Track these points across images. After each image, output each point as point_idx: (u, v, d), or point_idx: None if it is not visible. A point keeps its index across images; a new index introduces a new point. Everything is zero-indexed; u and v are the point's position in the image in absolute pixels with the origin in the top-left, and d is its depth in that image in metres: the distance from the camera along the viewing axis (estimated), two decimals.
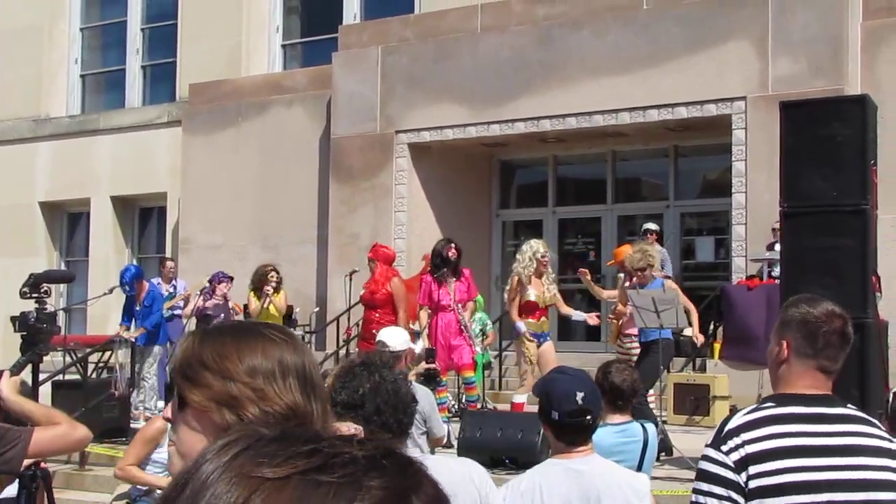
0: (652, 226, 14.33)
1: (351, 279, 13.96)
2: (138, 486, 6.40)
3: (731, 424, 2.91)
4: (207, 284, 13.31)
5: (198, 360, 1.68)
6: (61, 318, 11.68)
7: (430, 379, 9.27)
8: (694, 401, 11.82)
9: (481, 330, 12.49)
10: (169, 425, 1.78)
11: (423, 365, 9.64)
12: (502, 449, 8.98)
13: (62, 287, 19.37)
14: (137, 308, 12.73)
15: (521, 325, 10.43)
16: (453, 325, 10.83)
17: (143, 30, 20.82)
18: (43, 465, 4.41)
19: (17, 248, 20.40)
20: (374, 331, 9.59)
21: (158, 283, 14.31)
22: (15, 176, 20.81)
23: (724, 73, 13.71)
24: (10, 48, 21.13)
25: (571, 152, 16.57)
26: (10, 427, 3.81)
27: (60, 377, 12.33)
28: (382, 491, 0.88)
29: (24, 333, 4.34)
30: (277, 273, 13.01)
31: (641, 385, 8.09)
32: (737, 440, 2.85)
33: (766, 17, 13.49)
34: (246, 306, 13.27)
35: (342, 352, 14.04)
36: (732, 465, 2.83)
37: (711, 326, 13.40)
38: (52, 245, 21.04)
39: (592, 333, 15.96)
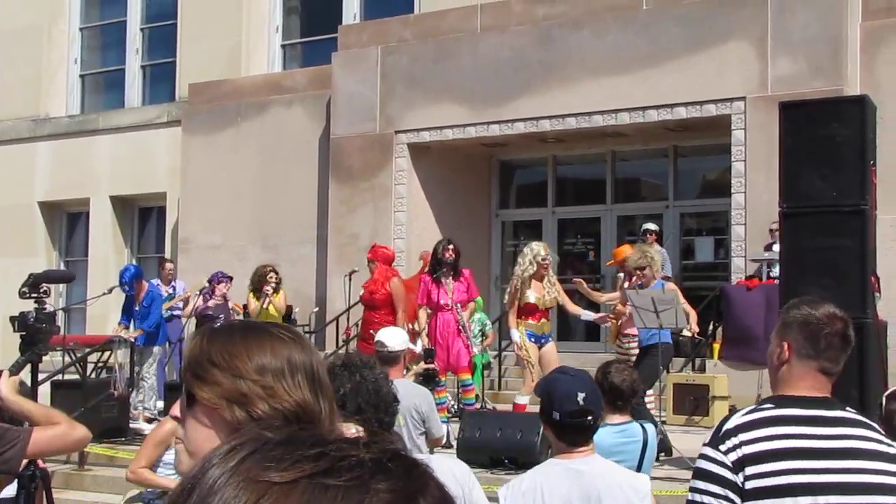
0: (651, 226, 14.34)
1: (350, 279, 13.97)
2: (150, 489, 6.39)
3: (730, 424, 2.91)
4: (207, 285, 13.31)
5: (207, 359, 1.69)
6: (60, 318, 11.69)
7: (428, 379, 9.26)
8: (693, 401, 11.82)
9: (481, 330, 12.49)
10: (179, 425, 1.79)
11: (422, 365, 9.64)
12: (502, 449, 8.99)
13: (61, 287, 19.37)
14: (136, 308, 12.72)
15: (516, 335, 10.39)
16: (452, 325, 10.83)
17: (142, 30, 20.82)
18: (42, 464, 4.41)
19: (16, 248, 20.40)
20: (373, 331, 9.58)
21: (158, 284, 14.31)
22: (14, 176, 20.81)
23: (723, 74, 13.71)
24: (10, 48, 21.12)
25: (571, 152, 16.57)
26: (9, 427, 3.81)
27: (60, 377, 12.33)
28: (389, 494, 0.88)
29: (24, 333, 4.34)
30: (276, 273, 13.01)
31: (641, 386, 8.10)
32: (735, 440, 2.85)
33: (765, 17, 13.49)
34: (245, 307, 13.27)
35: (342, 352, 14.03)
36: (730, 465, 2.83)
37: (711, 326, 13.40)
38: (51, 245, 21.04)
39: (592, 334, 15.98)
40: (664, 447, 8.99)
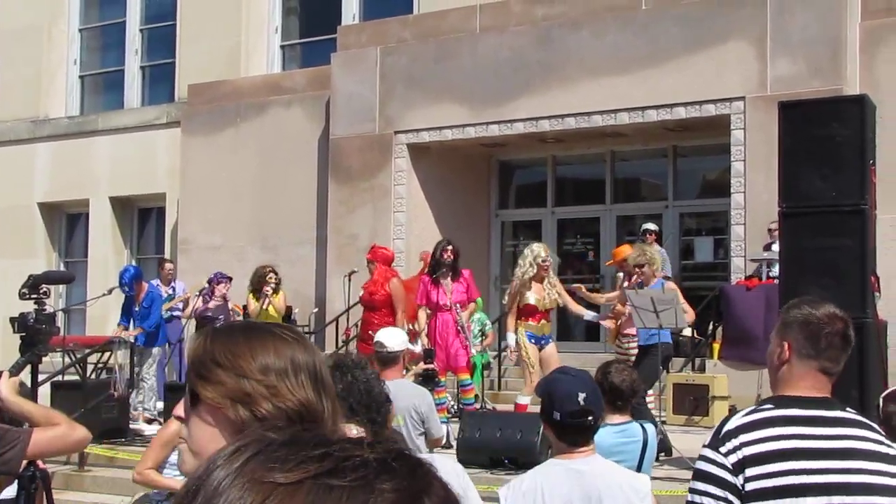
0: (651, 226, 14.34)
1: (350, 280, 13.96)
2: (157, 491, 6.37)
3: (730, 426, 2.90)
4: (206, 285, 13.30)
5: (210, 359, 1.70)
6: (60, 319, 11.67)
7: (428, 379, 9.26)
8: (693, 401, 11.82)
9: (480, 330, 12.49)
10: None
11: (422, 365, 9.64)
12: (501, 449, 8.99)
13: (61, 288, 19.38)
14: (136, 309, 12.72)
15: (511, 339, 10.44)
16: (450, 325, 10.83)
17: (142, 30, 20.81)
18: (42, 465, 4.41)
19: (16, 249, 20.39)
20: (372, 332, 9.58)
21: (157, 285, 14.30)
22: (14, 177, 20.80)
23: (723, 74, 13.71)
24: (9, 49, 21.12)
25: (570, 152, 16.57)
26: (8, 428, 3.81)
27: (60, 378, 12.32)
28: (394, 493, 0.89)
29: (24, 334, 4.34)
30: (276, 274, 13.00)
31: (641, 386, 8.08)
32: (735, 442, 2.85)
33: (764, 17, 13.49)
34: (245, 307, 13.27)
35: (341, 352, 14.02)
36: (730, 467, 2.83)
37: (710, 327, 13.41)
38: (51, 246, 21.03)
39: (592, 334, 15.98)
40: (664, 447, 8.99)
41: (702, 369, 12.91)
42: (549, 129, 15.05)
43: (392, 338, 6.53)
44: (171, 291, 14.79)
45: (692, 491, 2.90)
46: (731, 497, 2.81)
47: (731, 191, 13.72)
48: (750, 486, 2.80)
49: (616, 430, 5.07)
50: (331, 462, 0.90)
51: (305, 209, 16.99)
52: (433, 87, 15.67)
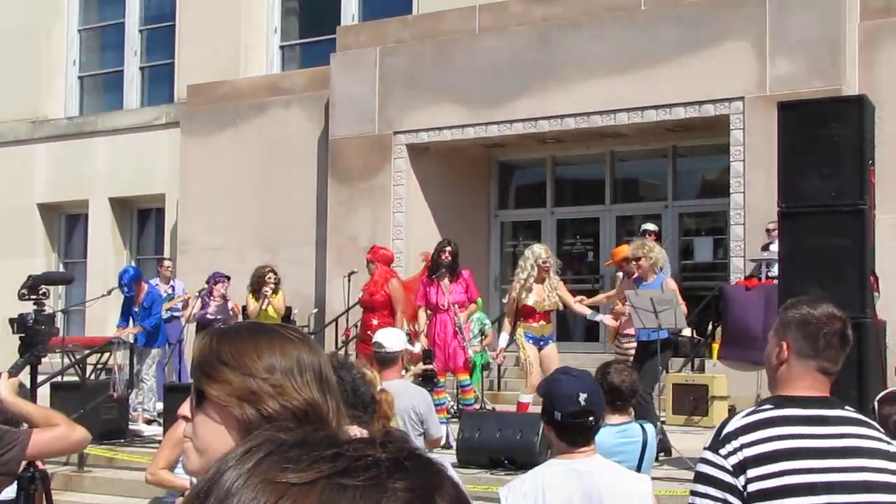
0: (650, 226, 14.32)
1: (349, 280, 13.96)
2: (171, 492, 6.37)
3: (730, 427, 2.91)
4: (206, 286, 13.30)
5: (216, 358, 1.72)
6: (60, 320, 11.65)
7: (427, 380, 9.27)
8: (692, 401, 11.82)
9: (480, 330, 12.49)
10: None
11: (421, 366, 9.64)
12: (501, 450, 8.99)
13: (60, 288, 19.38)
14: (136, 310, 12.72)
15: (503, 341, 10.60)
16: (448, 326, 10.83)
17: (141, 31, 20.81)
18: (41, 466, 4.41)
19: (15, 249, 20.38)
20: (371, 332, 9.59)
21: (157, 284, 14.30)
22: (13, 178, 20.80)
23: (722, 74, 13.71)
24: (8, 50, 21.11)
25: (570, 153, 16.57)
26: (8, 429, 3.81)
27: (59, 379, 12.32)
28: (407, 493, 0.89)
29: (23, 335, 4.34)
30: (275, 274, 13.00)
31: (640, 385, 8.07)
32: (735, 443, 2.85)
33: (764, 17, 13.49)
34: (244, 308, 13.26)
35: (341, 353, 14.02)
36: (730, 469, 2.83)
37: (710, 326, 13.41)
38: (50, 247, 21.03)
39: (591, 334, 15.99)
40: (663, 447, 8.98)
41: (701, 369, 12.91)
42: (549, 129, 15.05)
43: (391, 338, 6.52)
44: (170, 291, 14.79)
45: (693, 493, 2.91)
46: (730, 498, 2.82)
47: (731, 191, 13.72)
48: (752, 487, 2.81)
49: (615, 431, 5.07)
50: (344, 462, 0.90)
51: (305, 210, 16.99)
52: (432, 88, 15.66)
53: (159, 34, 20.41)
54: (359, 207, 16.17)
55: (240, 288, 13.55)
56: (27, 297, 4.54)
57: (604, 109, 14.48)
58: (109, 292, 13.42)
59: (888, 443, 2.96)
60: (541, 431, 8.33)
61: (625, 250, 10.72)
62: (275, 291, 12.84)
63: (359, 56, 16.31)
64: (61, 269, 20.38)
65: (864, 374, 6.44)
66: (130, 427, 11.92)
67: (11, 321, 4.51)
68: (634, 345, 10.07)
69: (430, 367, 9.74)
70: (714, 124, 13.98)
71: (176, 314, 14.35)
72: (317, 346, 1.81)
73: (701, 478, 2.90)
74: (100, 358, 13.48)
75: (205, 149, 17.94)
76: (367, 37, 16.51)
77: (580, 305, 11.02)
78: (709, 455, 2.89)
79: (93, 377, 13.04)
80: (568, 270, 16.04)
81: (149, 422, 12.63)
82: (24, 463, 3.89)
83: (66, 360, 13.20)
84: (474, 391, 11.43)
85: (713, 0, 13.98)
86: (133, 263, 18.11)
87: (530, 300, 10.30)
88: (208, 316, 12.88)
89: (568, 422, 3.61)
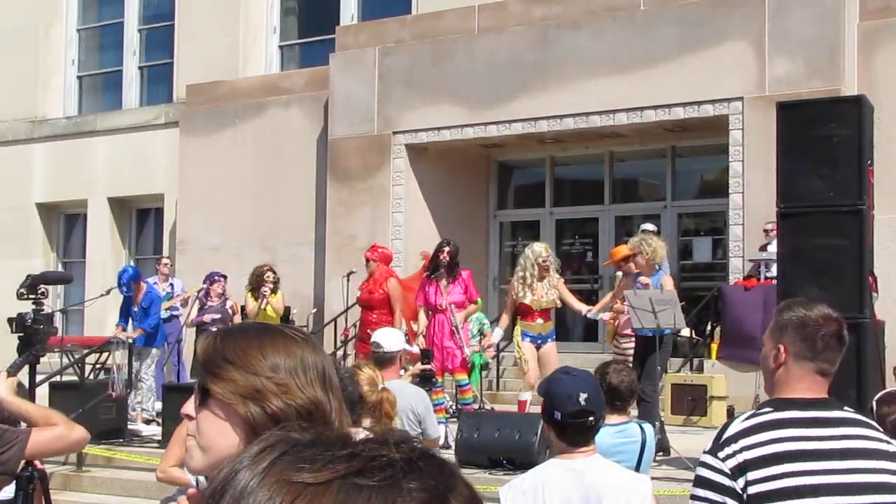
0: (649, 226, 14.31)
1: (348, 280, 13.95)
2: (180, 489, 6.36)
3: (730, 431, 2.91)
4: (204, 286, 13.30)
5: (221, 356, 1.74)
6: (58, 320, 11.67)
7: (425, 380, 9.26)
8: (691, 401, 11.82)
9: (479, 330, 12.48)
10: None
11: (419, 366, 9.63)
12: (500, 450, 8.98)
13: (59, 288, 19.36)
14: (135, 309, 12.71)
15: (497, 336, 10.96)
16: (446, 326, 10.83)
17: (140, 31, 20.80)
18: (40, 465, 4.41)
19: (14, 249, 20.38)
20: (370, 331, 9.58)
21: (156, 284, 14.29)
22: (12, 177, 20.79)
23: (721, 74, 13.71)
24: (7, 49, 21.10)
25: (569, 153, 16.57)
26: (7, 428, 3.81)
27: (58, 378, 12.33)
28: (422, 493, 0.89)
29: (22, 334, 4.34)
30: (274, 273, 12.99)
31: (643, 383, 8.09)
32: (734, 447, 2.86)
33: (763, 17, 13.49)
34: (243, 307, 13.26)
35: (340, 353, 14.03)
36: (729, 472, 2.83)
37: (709, 327, 13.41)
38: (49, 246, 21.02)
39: (590, 334, 15.99)
40: (662, 447, 8.97)
41: (700, 369, 12.91)
42: (548, 129, 15.05)
43: (388, 338, 6.53)
44: (169, 289, 14.78)
45: (692, 497, 2.92)
46: (729, 501, 2.82)
47: (730, 191, 13.72)
48: (753, 490, 2.81)
49: (614, 431, 5.07)
50: (359, 462, 0.91)
51: (304, 210, 16.99)
52: (431, 88, 15.66)
53: (158, 34, 20.40)
54: (358, 207, 16.17)
55: (238, 287, 13.55)
56: (26, 296, 4.54)
57: (603, 109, 14.48)
58: (108, 292, 13.41)
59: (888, 443, 2.96)
60: (540, 431, 8.33)
61: (623, 250, 10.71)
62: (273, 291, 12.83)
63: (358, 56, 16.31)
64: (60, 268, 20.37)
65: (863, 375, 6.44)
66: (129, 427, 11.92)
67: (10, 320, 4.50)
68: (633, 345, 10.06)
69: (428, 367, 9.73)
70: (713, 124, 13.98)
71: (175, 313, 14.35)
72: (320, 347, 1.84)
73: (700, 481, 2.90)
74: (98, 357, 13.48)
75: (204, 149, 17.93)
76: (367, 37, 16.51)
77: (579, 303, 11.03)
78: (708, 459, 2.90)
79: (91, 377, 13.04)
80: (567, 270, 16.02)
81: (147, 422, 12.62)
82: (22, 462, 3.89)
83: (65, 360, 13.21)
84: (473, 391, 11.43)
85: (712, 0, 13.98)
86: (132, 263, 18.10)
87: (527, 298, 10.31)
88: (205, 319, 12.87)
89: (568, 422, 3.61)
